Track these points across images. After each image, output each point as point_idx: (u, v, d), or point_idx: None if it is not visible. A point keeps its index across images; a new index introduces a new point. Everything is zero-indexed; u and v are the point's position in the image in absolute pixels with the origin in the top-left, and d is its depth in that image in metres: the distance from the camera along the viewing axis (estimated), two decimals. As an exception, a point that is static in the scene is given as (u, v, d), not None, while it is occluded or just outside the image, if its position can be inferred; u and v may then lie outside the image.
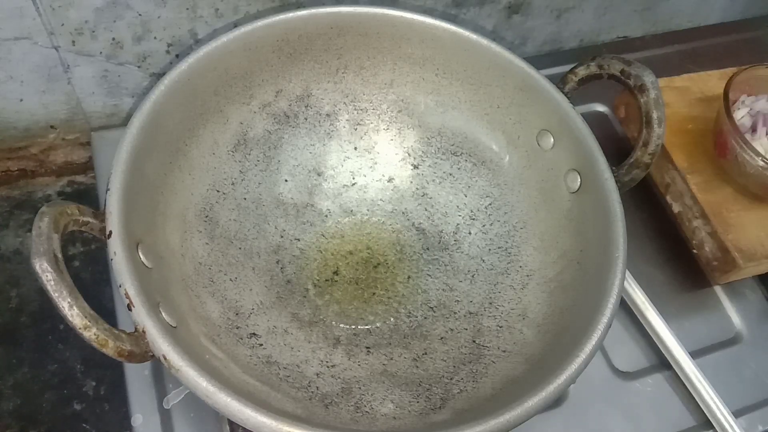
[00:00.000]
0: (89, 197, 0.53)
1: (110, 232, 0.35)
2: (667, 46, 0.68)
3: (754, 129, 0.51)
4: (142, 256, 0.36)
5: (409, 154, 0.51)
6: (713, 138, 0.53)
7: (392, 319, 0.46)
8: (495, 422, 0.32)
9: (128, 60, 0.48)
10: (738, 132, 0.49)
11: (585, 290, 0.40)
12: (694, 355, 0.49)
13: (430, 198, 0.51)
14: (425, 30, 0.47)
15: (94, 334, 0.30)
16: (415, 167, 0.51)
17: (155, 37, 0.48)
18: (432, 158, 0.51)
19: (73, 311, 0.30)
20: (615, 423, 0.46)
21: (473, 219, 0.49)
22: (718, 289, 0.54)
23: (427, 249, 0.49)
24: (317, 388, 0.40)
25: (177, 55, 0.50)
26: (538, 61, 0.48)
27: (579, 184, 0.44)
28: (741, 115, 0.52)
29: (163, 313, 0.34)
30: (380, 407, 0.40)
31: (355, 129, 0.51)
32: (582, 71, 0.45)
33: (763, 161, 0.48)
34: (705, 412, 0.47)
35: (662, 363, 0.49)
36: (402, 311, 0.46)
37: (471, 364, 0.42)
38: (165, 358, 0.32)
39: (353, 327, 0.45)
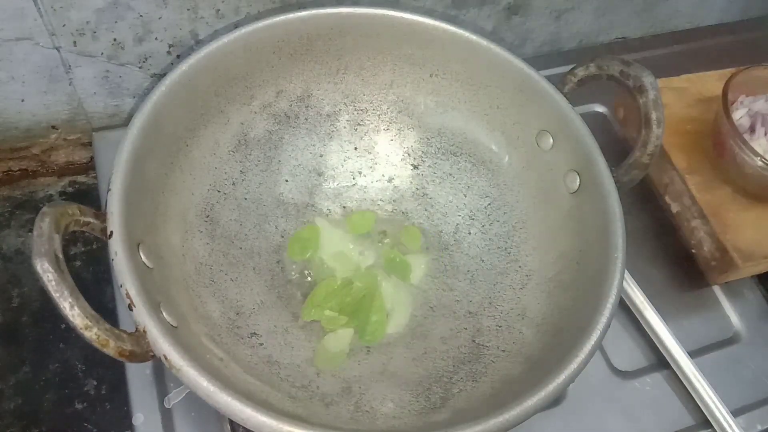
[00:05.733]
0: (90, 197, 0.53)
1: (111, 233, 0.35)
2: (666, 46, 0.68)
3: (752, 129, 0.51)
4: (143, 256, 0.36)
5: (409, 155, 0.52)
6: (712, 138, 0.53)
7: (392, 318, 0.46)
8: (494, 421, 0.32)
9: (129, 61, 0.49)
10: (736, 132, 0.49)
11: (584, 290, 0.40)
12: (693, 354, 0.49)
13: (430, 198, 0.51)
14: (425, 31, 0.47)
15: (95, 334, 0.31)
16: (415, 167, 0.51)
17: (156, 38, 0.48)
18: (432, 158, 0.51)
19: (74, 311, 0.30)
20: (614, 422, 0.46)
21: (473, 219, 0.50)
22: (716, 288, 0.54)
23: (427, 249, 0.49)
24: (317, 387, 0.41)
25: (178, 56, 0.50)
26: (537, 61, 0.48)
27: (578, 184, 0.44)
28: (740, 115, 0.52)
29: (164, 313, 0.35)
30: (380, 406, 0.40)
31: (356, 129, 0.51)
32: (581, 72, 0.45)
33: (762, 161, 0.48)
34: (704, 411, 0.47)
35: (661, 362, 0.49)
36: (402, 311, 0.46)
37: (470, 364, 0.42)
38: (166, 358, 0.32)
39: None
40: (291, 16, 0.45)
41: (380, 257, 0.48)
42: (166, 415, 0.42)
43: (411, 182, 0.51)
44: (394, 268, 0.47)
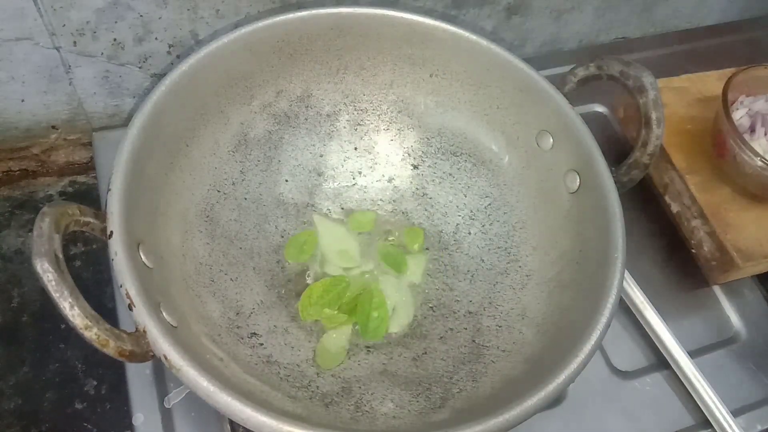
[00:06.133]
0: (90, 197, 0.53)
1: (111, 233, 0.35)
2: (665, 46, 0.68)
3: (752, 129, 0.51)
4: (143, 256, 0.36)
5: (409, 155, 0.52)
6: (712, 138, 0.53)
7: (392, 318, 0.46)
8: (494, 422, 0.32)
9: (129, 61, 0.49)
10: (736, 132, 0.49)
11: (584, 290, 0.40)
12: (693, 354, 0.49)
13: (430, 198, 0.51)
14: (425, 31, 0.47)
15: (95, 334, 0.31)
16: (415, 167, 0.51)
17: (156, 38, 0.48)
18: (432, 158, 0.51)
19: (74, 311, 0.30)
20: (614, 422, 0.46)
21: (473, 219, 0.50)
22: (716, 288, 0.54)
23: (427, 249, 0.49)
24: (317, 387, 0.41)
25: (178, 56, 0.50)
26: (537, 61, 0.48)
27: (578, 184, 0.44)
28: (740, 115, 0.52)
29: (164, 313, 0.35)
30: (380, 406, 0.40)
31: (356, 129, 0.51)
32: (581, 72, 0.45)
33: (762, 161, 0.48)
34: (704, 411, 0.47)
35: (661, 362, 0.49)
36: (402, 311, 0.46)
37: (470, 364, 0.42)
38: (166, 358, 0.32)
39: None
40: (291, 16, 0.45)
41: (377, 252, 0.48)
42: (166, 415, 0.42)
43: (411, 182, 0.51)
44: (389, 262, 0.47)
